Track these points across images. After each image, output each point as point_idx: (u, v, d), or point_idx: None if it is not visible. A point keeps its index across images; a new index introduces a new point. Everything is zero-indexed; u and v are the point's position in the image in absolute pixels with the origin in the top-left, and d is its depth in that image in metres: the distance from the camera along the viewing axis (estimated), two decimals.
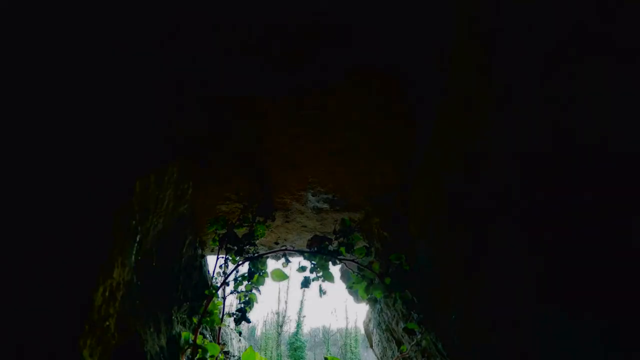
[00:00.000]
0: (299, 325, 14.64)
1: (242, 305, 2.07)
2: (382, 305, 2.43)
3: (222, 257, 2.05)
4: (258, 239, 2.12)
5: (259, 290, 2.11)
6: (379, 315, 2.48)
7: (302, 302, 15.59)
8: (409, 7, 1.29)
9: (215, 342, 1.96)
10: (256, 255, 2.09)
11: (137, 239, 1.31)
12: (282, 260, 2.24)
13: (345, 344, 16.77)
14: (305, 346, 13.98)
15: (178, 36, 1.34)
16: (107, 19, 1.23)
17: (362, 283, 2.18)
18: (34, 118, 1.14)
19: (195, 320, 1.86)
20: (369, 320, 2.72)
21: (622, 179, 0.78)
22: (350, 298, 3.04)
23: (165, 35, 1.34)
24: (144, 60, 1.38)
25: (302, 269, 2.13)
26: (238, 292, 2.07)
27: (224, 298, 2.00)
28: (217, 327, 2.03)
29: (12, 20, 1.08)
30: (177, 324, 1.77)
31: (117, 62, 1.32)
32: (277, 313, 15.97)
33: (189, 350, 1.69)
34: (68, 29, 1.18)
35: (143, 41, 1.33)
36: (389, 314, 2.30)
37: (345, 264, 2.17)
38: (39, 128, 1.15)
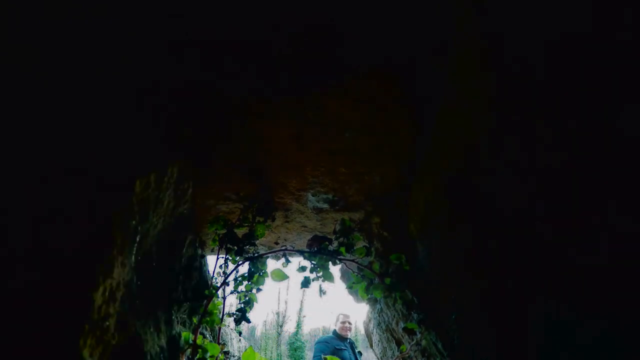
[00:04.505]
0: (299, 325, 14.62)
1: (242, 305, 2.07)
2: (382, 305, 2.43)
3: (222, 257, 2.05)
4: (258, 239, 2.12)
5: (259, 290, 2.11)
6: (379, 315, 2.48)
7: (302, 302, 15.57)
8: (409, 6, 1.29)
9: (215, 342, 1.96)
10: (256, 255, 2.09)
11: (137, 239, 1.31)
12: (282, 260, 2.24)
13: None
14: (305, 346, 13.95)
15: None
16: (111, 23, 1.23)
17: (362, 283, 2.18)
18: (34, 118, 1.14)
19: (195, 320, 1.86)
20: (369, 320, 2.72)
21: None
22: (351, 298, 3.04)
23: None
24: (145, 57, 1.38)
25: (302, 269, 2.13)
26: (238, 292, 2.06)
27: (224, 298, 1.99)
28: (217, 327, 2.03)
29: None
30: (177, 324, 1.77)
31: (118, 62, 1.32)
32: (277, 313, 15.94)
33: (189, 350, 1.69)
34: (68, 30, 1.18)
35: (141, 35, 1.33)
36: (389, 314, 2.30)
37: (345, 264, 2.17)
38: (39, 128, 1.15)
